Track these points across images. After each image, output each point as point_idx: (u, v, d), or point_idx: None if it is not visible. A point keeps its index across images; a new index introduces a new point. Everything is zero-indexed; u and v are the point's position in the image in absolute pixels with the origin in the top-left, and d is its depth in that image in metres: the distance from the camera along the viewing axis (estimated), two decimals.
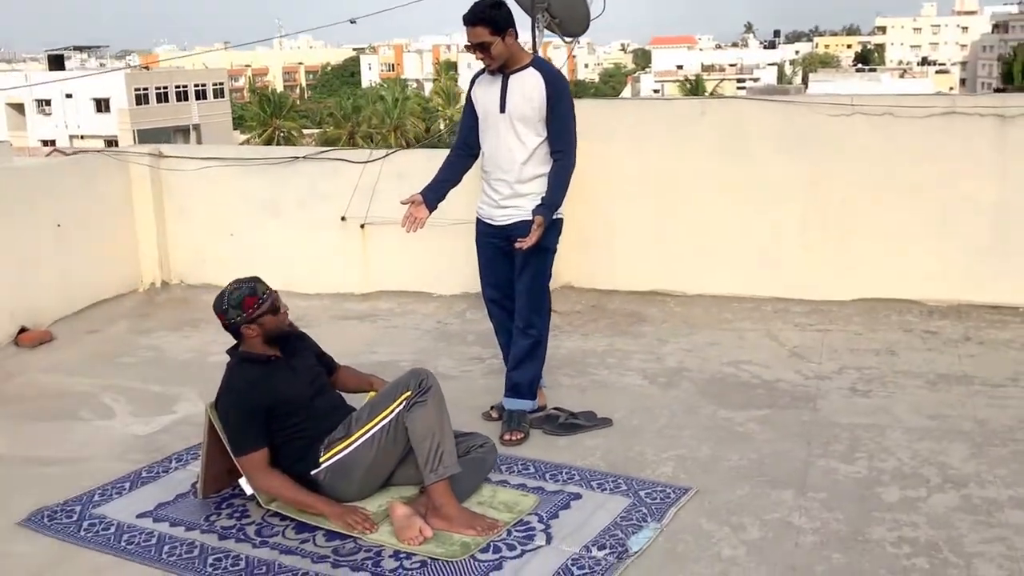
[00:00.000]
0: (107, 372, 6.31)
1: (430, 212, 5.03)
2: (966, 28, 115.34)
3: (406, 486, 4.39)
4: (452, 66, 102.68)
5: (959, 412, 5.27)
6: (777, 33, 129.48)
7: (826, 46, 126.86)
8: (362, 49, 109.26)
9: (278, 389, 4.23)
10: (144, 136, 52.14)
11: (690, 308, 7.25)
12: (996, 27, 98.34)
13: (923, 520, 4.10)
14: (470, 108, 5.13)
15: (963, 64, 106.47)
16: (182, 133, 58.87)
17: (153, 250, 8.13)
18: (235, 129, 66.56)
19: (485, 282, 5.29)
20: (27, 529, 4.25)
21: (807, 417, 5.26)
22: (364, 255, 7.79)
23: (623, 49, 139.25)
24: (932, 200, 6.94)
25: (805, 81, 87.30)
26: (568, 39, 5.99)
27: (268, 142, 58.87)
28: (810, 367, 6.02)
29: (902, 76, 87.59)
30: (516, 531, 4.09)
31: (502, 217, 5.03)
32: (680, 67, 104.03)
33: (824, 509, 4.22)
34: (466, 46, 4.95)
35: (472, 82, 5.16)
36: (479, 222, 5.21)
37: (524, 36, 7.42)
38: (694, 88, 77.12)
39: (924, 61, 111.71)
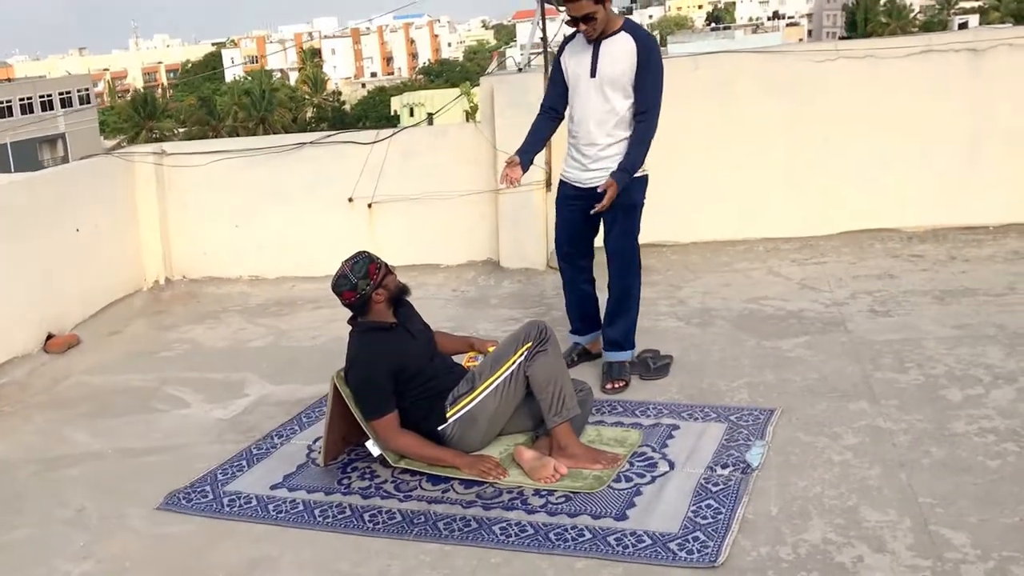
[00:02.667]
0: (154, 367, 6.36)
1: (524, 172, 5.14)
2: None
3: (517, 433, 4.64)
4: (316, 53, 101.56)
5: (978, 320, 5.73)
6: None
7: (679, 8, 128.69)
8: (222, 43, 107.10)
9: (403, 353, 4.43)
10: (13, 149, 50.56)
11: (687, 256, 7.59)
12: None
13: (993, 412, 4.52)
14: (558, 74, 5.23)
15: (810, 16, 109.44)
16: (49, 144, 57.16)
17: (157, 248, 8.16)
18: (100, 134, 64.87)
19: (561, 240, 5.43)
20: (169, 512, 4.35)
21: (844, 339, 5.64)
22: (371, 234, 7.92)
23: (484, 26, 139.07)
24: (910, 134, 7.40)
25: (663, 43, 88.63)
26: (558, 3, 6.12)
27: None
28: (824, 296, 6.42)
29: (755, 32, 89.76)
30: (636, 462, 4.37)
31: (590, 179, 5.13)
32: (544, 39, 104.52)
33: (903, 413, 4.60)
34: (567, 20, 5.01)
35: (561, 49, 5.27)
36: (563, 184, 5.34)
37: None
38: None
39: (775, 15, 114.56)
